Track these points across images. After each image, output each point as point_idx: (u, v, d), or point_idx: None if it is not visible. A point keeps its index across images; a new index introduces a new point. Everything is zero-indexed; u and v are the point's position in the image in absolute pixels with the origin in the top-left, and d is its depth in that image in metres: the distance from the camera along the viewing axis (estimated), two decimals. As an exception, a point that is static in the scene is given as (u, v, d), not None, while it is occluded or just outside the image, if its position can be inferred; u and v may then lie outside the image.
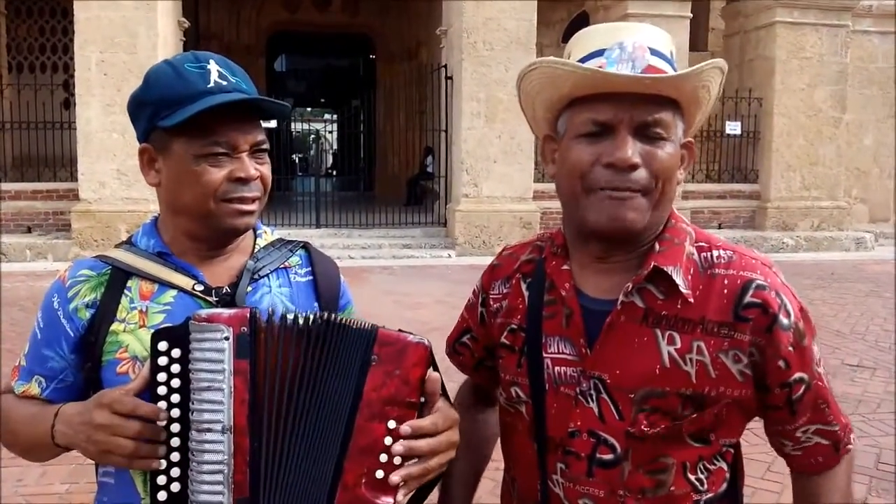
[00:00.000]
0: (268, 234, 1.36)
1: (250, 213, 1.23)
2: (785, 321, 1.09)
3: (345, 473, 1.06)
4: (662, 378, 1.10)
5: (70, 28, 11.39)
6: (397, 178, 16.49)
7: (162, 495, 1.09)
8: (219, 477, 1.06)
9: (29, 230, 11.36)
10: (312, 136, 24.72)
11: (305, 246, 1.39)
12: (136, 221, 10.63)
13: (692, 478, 1.14)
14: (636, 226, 1.10)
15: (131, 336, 1.20)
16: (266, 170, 1.25)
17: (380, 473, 1.06)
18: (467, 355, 1.37)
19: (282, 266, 1.32)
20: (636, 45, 1.08)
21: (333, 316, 1.12)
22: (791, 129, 12.73)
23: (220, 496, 1.06)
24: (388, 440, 1.07)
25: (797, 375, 1.11)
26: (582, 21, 14.10)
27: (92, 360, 1.21)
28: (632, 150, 1.07)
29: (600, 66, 1.07)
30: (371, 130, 16.51)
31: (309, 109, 28.17)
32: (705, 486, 1.15)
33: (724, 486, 1.17)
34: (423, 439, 1.08)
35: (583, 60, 1.10)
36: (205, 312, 1.10)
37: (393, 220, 12.49)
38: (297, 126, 17.53)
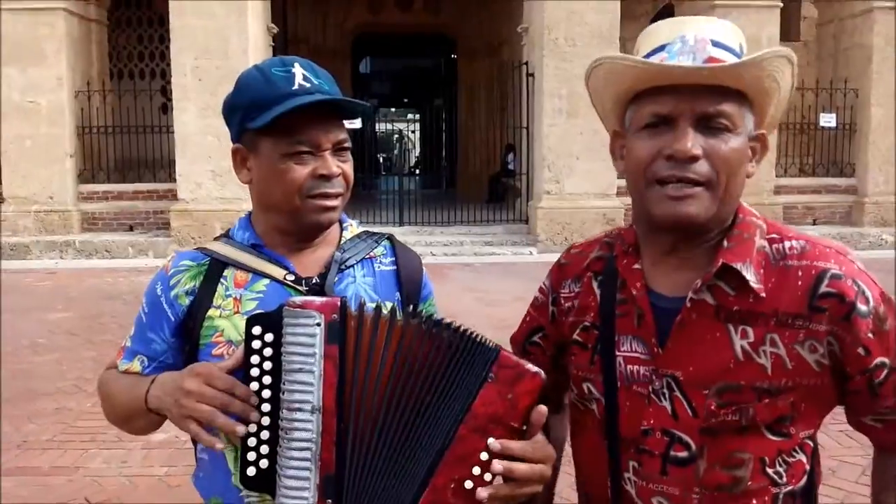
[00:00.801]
0: (353, 227, 1.43)
1: (333, 208, 1.30)
2: (863, 308, 1.08)
3: (437, 475, 1.10)
4: (737, 372, 1.09)
5: (167, 36, 11.94)
6: (479, 175, 16.55)
7: (251, 471, 1.15)
8: (307, 454, 1.12)
9: (131, 228, 12.00)
10: (396, 135, 25.07)
11: (390, 238, 1.45)
12: (230, 220, 11.03)
13: (770, 472, 1.12)
14: (698, 218, 1.09)
15: (227, 321, 1.29)
16: (348, 167, 1.31)
17: (468, 484, 1.09)
18: (539, 354, 1.35)
19: (368, 256, 1.39)
20: (697, 38, 1.08)
21: (458, 325, 1.15)
22: (889, 120, 12.11)
23: (307, 472, 1.11)
24: (483, 455, 1.09)
25: (879, 360, 1.09)
26: (667, 14, 13.81)
27: (190, 343, 1.30)
28: (692, 141, 1.06)
29: (662, 60, 1.08)
30: (453, 129, 16.62)
31: (393, 110, 28.60)
32: (784, 478, 1.13)
33: (804, 479, 1.15)
34: (522, 464, 1.09)
35: (648, 56, 1.11)
36: (299, 299, 1.16)
37: (474, 218, 12.56)
38: (381, 126, 17.82)
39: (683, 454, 1.12)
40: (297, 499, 1.12)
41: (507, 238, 11.96)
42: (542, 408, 1.12)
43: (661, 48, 1.10)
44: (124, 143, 12.50)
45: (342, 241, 1.39)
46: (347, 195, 1.34)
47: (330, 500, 1.12)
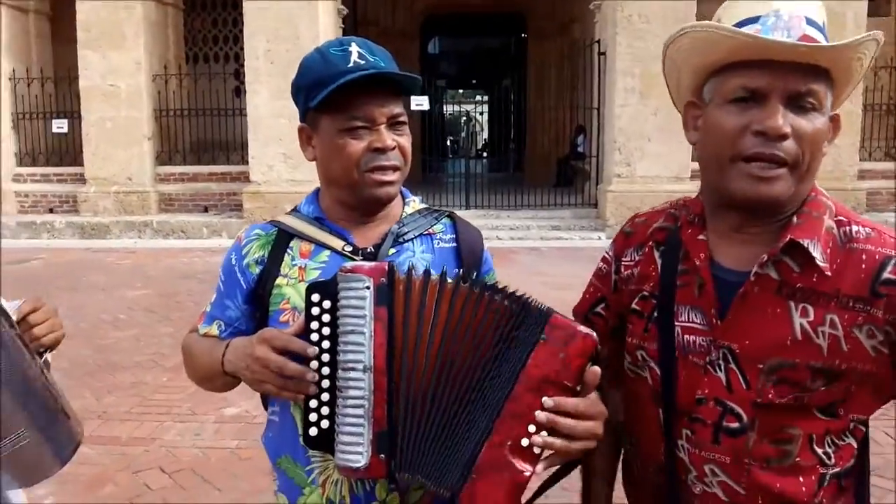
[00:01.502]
0: (415, 203, 1.45)
1: (390, 182, 1.33)
2: None
3: (494, 433, 1.12)
4: (793, 349, 1.10)
5: (240, 19, 12.15)
6: (547, 158, 16.36)
7: (313, 431, 1.20)
8: (360, 411, 1.16)
9: (206, 209, 12.31)
10: (463, 117, 24.98)
11: (450, 215, 1.46)
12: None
13: (819, 451, 1.14)
14: (781, 199, 1.10)
15: (292, 289, 1.34)
16: (405, 141, 1.34)
17: (525, 442, 1.11)
18: (601, 324, 1.36)
19: (426, 233, 1.41)
20: (792, 15, 1.07)
21: (516, 291, 1.17)
22: None
23: (361, 428, 1.15)
24: (538, 414, 1.11)
25: None
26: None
27: (261, 309, 1.36)
28: (783, 119, 1.06)
29: (757, 33, 1.07)
30: (521, 110, 16.45)
31: (460, 91, 28.44)
32: (832, 459, 1.15)
33: (852, 461, 1.17)
34: (568, 419, 1.11)
35: (738, 26, 1.09)
36: (350, 265, 1.21)
37: (541, 202, 12.43)
38: (448, 108, 17.77)
39: (735, 425, 1.14)
40: (353, 453, 1.16)
41: (575, 222, 11.79)
42: (596, 368, 1.13)
43: (754, 20, 1.08)
44: (199, 126, 12.82)
45: (403, 216, 1.41)
46: (406, 168, 1.36)
47: (383, 455, 1.15)
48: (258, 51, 11.25)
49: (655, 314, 1.22)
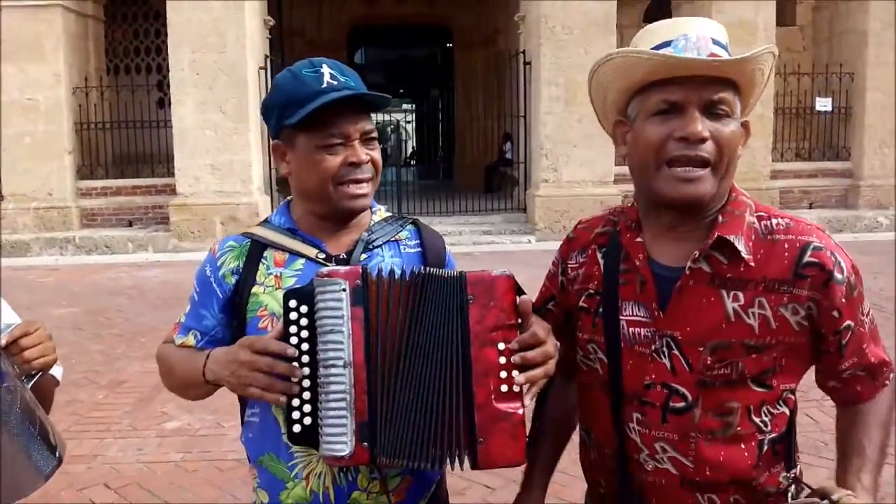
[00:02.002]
0: (381, 212, 1.55)
1: (364, 195, 1.43)
2: (839, 276, 1.23)
3: (475, 396, 1.24)
4: (728, 331, 1.24)
5: (162, 30, 11.94)
6: (476, 165, 16.58)
7: (296, 428, 1.28)
8: (342, 404, 1.25)
9: (130, 224, 12.02)
10: (391, 126, 25.05)
11: (415, 222, 1.57)
12: (230, 213, 11.12)
13: (756, 420, 1.27)
14: (705, 198, 1.24)
15: (269, 297, 1.41)
16: (376, 154, 1.44)
17: (504, 388, 1.25)
18: (551, 319, 1.46)
19: (393, 239, 1.50)
20: (699, 36, 1.22)
21: (429, 269, 1.30)
22: (885, 103, 12.15)
23: (345, 419, 1.24)
24: (501, 360, 1.25)
25: (847, 323, 1.26)
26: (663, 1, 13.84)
27: (238, 317, 1.43)
28: (701, 125, 1.21)
29: (670, 54, 1.22)
30: (449, 119, 16.65)
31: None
32: (769, 427, 1.28)
33: (785, 427, 1.31)
34: (533, 350, 1.26)
35: (653, 50, 1.24)
36: (325, 270, 1.30)
37: (473, 207, 12.61)
38: (377, 117, 17.81)
39: (681, 404, 1.27)
40: (338, 443, 1.24)
41: (506, 227, 12.01)
42: (525, 297, 1.29)
43: (667, 44, 1.23)
44: (122, 139, 12.52)
45: (371, 224, 1.50)
46: (377, 180, 1.46)
47: (366, 444, 1.24)
48: (183, 62, 11.08)
49: (601, 310, 1.35)
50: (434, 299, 1.26)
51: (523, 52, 12.05)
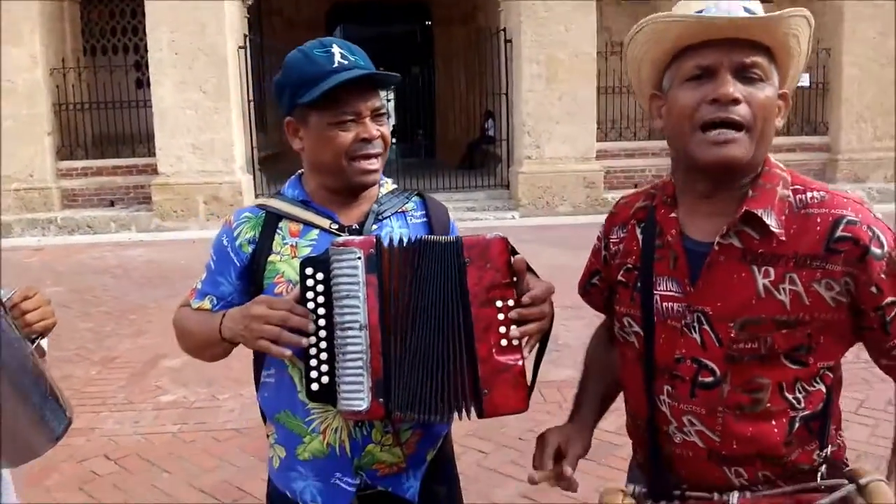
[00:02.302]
0: (388, 184, 1.64)
1: (375, 170, 1.50)
2: (878, 251, 1.20)
3: (478, 351, 1.34)
4: (758, 307, 1.23)
5: (139, 10, 11.81)
6: (458, 143, 16.60)
7: (315, 386, 1.37)
8: (359, 364, 1.34)
9: (112, 204, 11.95)
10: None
11: (420, 193, 1.66)
12: (212, 193, 11.10)
13: (789, 396, 1.26)
14: (741, 161, 1.23)
15: (286, 265, 1.49)
16: (385, 130, 1.52)
17: (504, 342, 1.34)
18: (597, 294, 1.53)
19: (400, 210, 1.59)
20: (730, 3, 1.22)
21: (427, 236, 1.39)
22: (862, 78, 12.33)
23: (361, 377, 1.34)
24: (500, 316, 1.34)
25: (890, 299, 1.22)
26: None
27: (255, 284, 1.50)
28: (733, 87, 1.20)
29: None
30: (430, 97, 16.62)
31: (398, 75, 27.68)
32: (802, 404, 1.26)
33: (821, 405, 1.28)
34: (530, 307, 1.35)
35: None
36: (341, 239, 1.39)
37: (456, 185, 12.65)
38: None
39: (709, 379, 1.28)
40: (356, 400, 1.34)
41: (490, 203, 12.09)
42: (519, 257, 1.37)
43: (699, 12, 1.22)
44: (101, 119, 12.40)
45: (379, 196, 1.59)
46: (386, 154, 1.54)
47: (381, 399, 1.34)
48: (161, 42, 10.98)
49: (638, 284, 1.36)
50: (435, 264, 1.35)
51: (504, 30, 12.05)
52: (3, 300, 1.42)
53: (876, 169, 12.59)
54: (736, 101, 1.20)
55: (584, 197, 11.63)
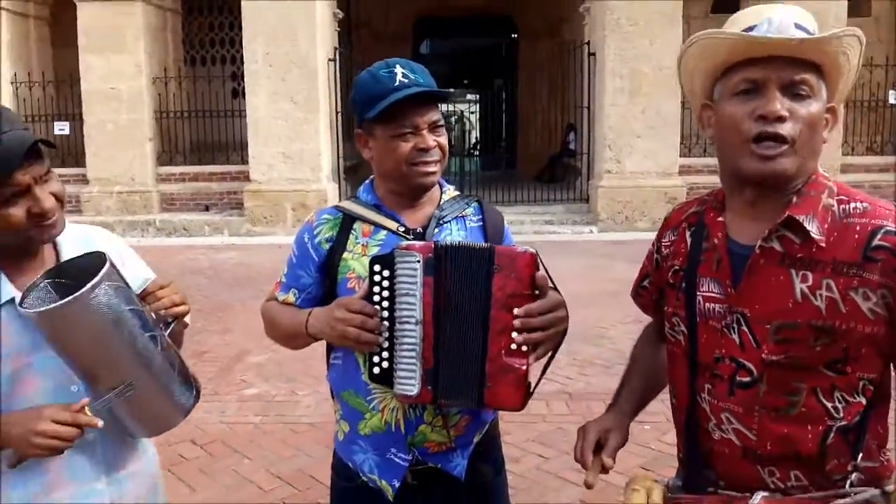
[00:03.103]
0: (450, 191, 1.81)
1: (433, 173, 1.68)
2: None
3: (489, 350, 1.51)
4: (794, 311, 1.26)
5: (236, 23, 12.41)
6: (539, 156, 16.67)
7: (376, 370, 1.58)
8: (413, 354, 1.54)
9: (206, 208, 12.57)
10: (455, 117, 25.26)
11: (478, 200, 1.83)
12: (300, 200, 11.53)
13: (827, 404, 1.28)
14: (787, 174, 1.27)
15: (357, 262, 1.68)
16: (443, 140, 1.69)
17: (513, 346, 1.51)
18: (646, 297, 1.61)
19: (460, 215, 1.76)
20: (782, 21, 1.26)
21: (467, 242, 1.59)
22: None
23: (414, 366, 1.54)
24: (516, 322, 1.50)
25: None
26: (731, -10, 13.65)
27: (330, 278, 1.70)
28: (780, 104, 1.24)
29: None
30: (513, 110, 16.76)
31: (452, 91, 28.20)
32: (840, 413, 1.28)
33: (858, 418, 1.29)
34: (537, 318, 1.50)
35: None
36: (405, 243, 1.58)
37: (535, 197, 12.74)
38: (441, 108, 17.98)
39: (747, 379, 1.32)
40: (408, 385, 1.54)
41: (568, 217, 12.11)
42: (542, 272, 1.53)
43: (751, 28, 1.28)
44: (198, 127, 13.08)
45: (441, 202, 1.76)
46: (445, 161, 1.71)
47: (430, 387, 1.53)
48: (257, 54, 11.51)
49: (684, 285, 1.41)
50: (471, 267, 1.52)
51: (588, 43, 12.09)
52: (139, 290, 1.57)
53: (977, 191, 11.99)
54: (781, 119, 1.24)
55: (663, 213, 11.35)
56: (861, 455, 1.31)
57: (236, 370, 5.22)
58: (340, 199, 11.99)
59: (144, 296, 1.57)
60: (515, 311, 1.49)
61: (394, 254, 1.55)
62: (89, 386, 1.48)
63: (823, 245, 1.25)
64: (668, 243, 1.50)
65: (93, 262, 1.47)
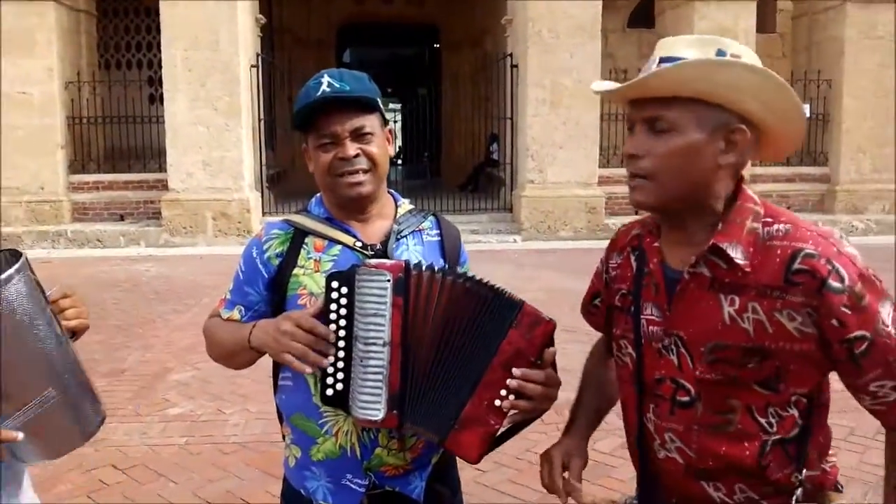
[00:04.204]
0: (405, 205, 1.77)
1: (359, 183, 1.61)
2: (836, 285, 1.23)
3: (476, 394, 1.47)
4: (724, 333, 1.30)
5: (153, 26, 12.08)
6: (463, 165, 16.82)
7: (329, 391, 1.51)
8: (379, 377, 1.47)
9: (122, 218, 12.14)
10: (379, 125, 25.05)
11: (434, 214, 1.80)
12: (221, 209, 11.28)
13: (761, 420, 1.32)
14: (644, 204, 1.36)
15: (308, 278, 1.62)
16: (370, 147, 1.60)
17: (497, 402, 1.47)
18: (598, 315, 1.63)
19: (417, 229, 1.72)
20: (655, 57, 1.31)
21: (489, 282, 1.50)
22: (862, 110, 12.54)
23: (380, 390, 1.47)
24: (509, 381, 1.46)
25: (857, 333, 1.24)
26: (647, 4, 14.12)
27: (279, 295, 1.64)
28: (631, 143, 1.34)
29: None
30: (436, 119, 16.81)
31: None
32: (774, 428, 1.32)
33: (796, 430, 1.33)
34: (532, 385, 1.46)
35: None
36: (374, 262, 1.51)
37: (459, 207, 12.82)
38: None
39: (685, 398, 1.37)
40: (373, 410, 1.48)
41: (493, 226, 12.25)
42: (552, 348, 1.49)
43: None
44: (113, 134, 12.65)
45: (397, 216, 1.72)
46: (378, 168, 1.64)
47: (395, 412, 1.48)
48: (176, 58, 11.22)
49: (632, 308, 1.45)
50: (484, 309, 1.47)
51: (510, 55, 12.28)
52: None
53: (874, 200, 12.76)
54: (633, 157, 1.33)
55: (585, 222, 11.80)
56: (805, 466, 1.35)
57: (158, 389, 5.05)
58: (264, 209, 11.88)
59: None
60: (514, 370, 1.45)
61: (354, 271, 1.49)
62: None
63: (748, 270, 1.29)
64: (615, 265, 1.54)
65: (5, 260, 1.40)
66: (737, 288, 1.30)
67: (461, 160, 16.96)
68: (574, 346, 5.75)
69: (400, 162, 23.38)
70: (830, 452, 1.42)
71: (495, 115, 13.29)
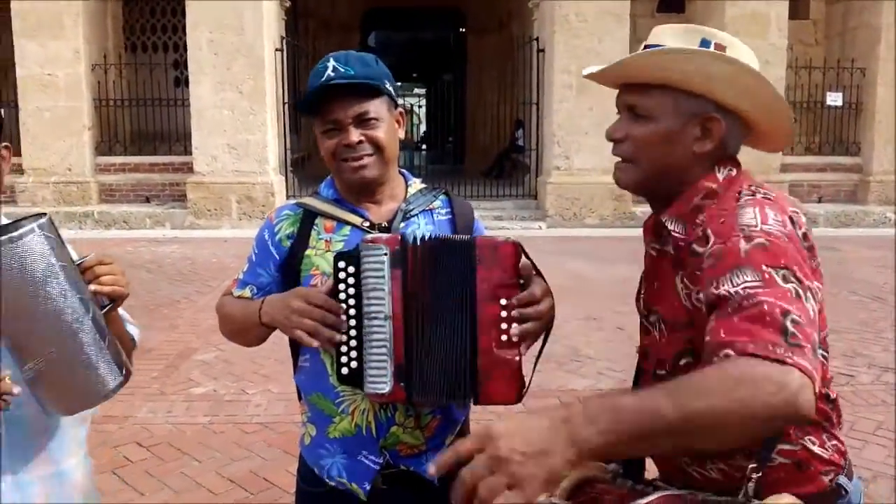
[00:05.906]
0: (416, 184, 1.75)
1: (363, 167, 1.60)
2: (699, 249, 1.26)
3: (480, 343, 1.46)
4: (680, 309, 1.31)
5: (179, 9, 12.08)
6: (487, 151, 16.72)
7: (344, 370, 1.51)
8: (383, 350, 1.47)
9: (147, 200, 12.23)
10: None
11: (446, 192, 1.77)
12: (245, 192, 11.31)
13: None
14: (627, 184, 1.41)
15: (321, 258, 1.62)
16: (374, 132, 1.58)
17: (504, 337, 1.46)
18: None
19: (427, 208, 1.70)
20: (642, 45, 1.36)
21: (444, 235, 1.52)
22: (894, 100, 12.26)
23: (385, 363, 1.47)
24: (503, 313, 1.46)
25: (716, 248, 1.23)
26: (676, -9, 13.88)
27: (292, 275, 1.63)
28: (616, 127, 1.39)
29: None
30: (461, 104, 16.73)
31: (399, 84, 28.07)
32: None
33: None
34: (529, 307, 1.46)
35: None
36: (370, 236, 1.52)
37: (484, 193, 12.76)
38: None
39: (663, 371, 1.39)
40: (379, 383, 1.48)
41: (517, 213, 12.17)
42: (526, 261, 1.49)
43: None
44: (140, 116, 12.71)
45: (407, 195, 1.70)
46: (384, 153, 1.61)
47: (402, 383, 1.47)
48: (201, 41, 11.24)
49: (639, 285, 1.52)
50: (450, 261, 1.47)
51: (537, 39, 12.15)
52: (77, 261, 1.44)
53: (908, 191, 12.48)
54: (615, 141, 1.39)
55: (611, 209, 11.68)
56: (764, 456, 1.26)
57: (183, 369, 5.06)
58: (288, 192, 11.91)
59: (82, 271, 1.43)
60: (503, 301, 1.45)
61: (359, 249, 1.49)
62: (9, 349, 1.35)
63: (682, 244, 1.31)
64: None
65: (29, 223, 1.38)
66: (682, 263, 1.32)
67: (486, 146, 16.85)
68: (597, 333, 5.76)
69: (424, 147, 23.33)
70: (834, 431, 1.35)
71: (521, 100, 13.16)
